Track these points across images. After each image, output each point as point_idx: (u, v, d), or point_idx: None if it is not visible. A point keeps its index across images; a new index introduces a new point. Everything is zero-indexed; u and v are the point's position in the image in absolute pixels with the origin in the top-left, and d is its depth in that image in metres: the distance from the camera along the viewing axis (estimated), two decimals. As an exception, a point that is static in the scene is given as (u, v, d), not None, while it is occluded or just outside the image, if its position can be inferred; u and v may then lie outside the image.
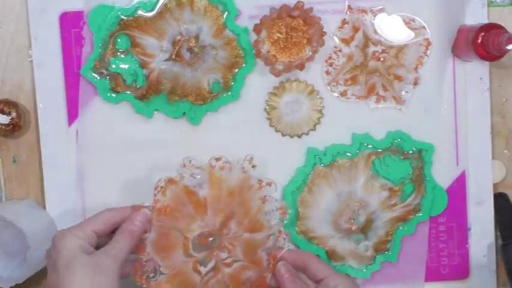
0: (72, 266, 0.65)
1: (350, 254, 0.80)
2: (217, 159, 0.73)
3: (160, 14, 0.78)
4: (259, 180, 0.74)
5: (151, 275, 0.71)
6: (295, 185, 0.79)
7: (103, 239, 0.69)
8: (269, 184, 0.74)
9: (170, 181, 0.72)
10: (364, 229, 0.80)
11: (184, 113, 0.79)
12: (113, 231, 0.70)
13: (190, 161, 0.73)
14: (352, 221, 0.80)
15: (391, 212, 0.80)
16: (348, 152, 0.80)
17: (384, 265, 0.81)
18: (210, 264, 0.73)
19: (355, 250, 0.80)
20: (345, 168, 0.80)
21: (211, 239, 0.73)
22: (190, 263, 0.72)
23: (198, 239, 0.72)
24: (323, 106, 0.80)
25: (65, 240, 0.67)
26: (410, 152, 0.80)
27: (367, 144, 0.80)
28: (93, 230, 0.68)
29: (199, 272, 0.73)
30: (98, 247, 0.68)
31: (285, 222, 0.75)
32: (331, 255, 0.80)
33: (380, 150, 0.80)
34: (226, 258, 0.73)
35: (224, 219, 0.73)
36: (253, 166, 0.74)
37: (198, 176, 0.72)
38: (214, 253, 0.73)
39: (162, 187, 0.72)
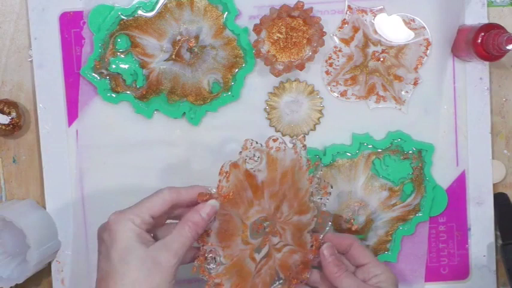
0: (127, 259, 0.60)
1: (350, 254, 0.80)
2: (274, 140, 0.68)
3: (160, 14, 0.78)
4: (308, 159, 0.70)
5: (212, 265, 0.66)
6: None
7: (159, 219, 0.65)
8: (316, 164, 0.70)
9: (234, 165, 0.66)
10: (364, 229, 0.80)
11: (184, 113, 0.79)
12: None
13: (252, 142, 0.67)
14: (352, 221, 0.80)
15: (391, 212, 0.80)
16: (348, 152, 0.80)
17: (384, 265, 0.81)
18: (264, 251, 0.69)
19: (355, 250, 0.80)
20: (345, 168, 0.80)
21: (266, 224, 0.68)
22: (247, 251, 0.68)
23: (254, 225, 0.68)
24: (323, 106, 0.80)
25: (120, 226, 0.62)
26: (410, 152, 0.80)
27: (367, 144, 0.80)
28: (151, 214, 0.63)
29: (254, 260, 0.68)
30: (153, 229, 0.65)
31: (327, 201, 0.72)
32: None
33: (380, 150, 0.80)
34: (277, 243, 0.70)
35: (278, 203, 0.69)
36: (304, 146, 0.70)
37: (258, 158, 0.67)
38: (268, 238, 0.69)
39: (227, 172, 0.65)
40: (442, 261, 0.82)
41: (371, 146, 0.80)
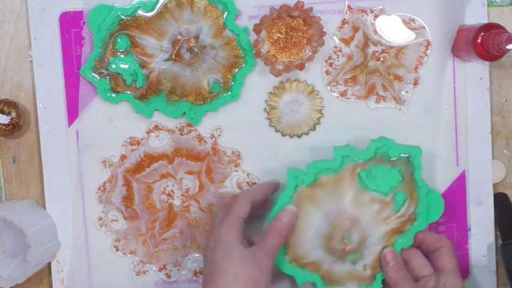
0: (230, 257, 0.68)
1: (348, 277, 0.76)
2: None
3: (160, 14, 0.78)
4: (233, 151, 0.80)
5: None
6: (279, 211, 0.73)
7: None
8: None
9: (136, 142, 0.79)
10: (359, 247, 0.75)
11: (184, 113, 0.79)
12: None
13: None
14: (345, 241, 0.75)
15: (385, 226, 0.75)
16: (331, 167, 0.75)
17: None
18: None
19: (352, 271, 0.75)
20: (329, 185, 0.75)
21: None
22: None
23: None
24: (323, 106, 0.80)
25: (223, 232, 0.69)
26: (397, 158, 0.75)
27: (351, 157, 0.75)
28: (243, 217, 0.71)
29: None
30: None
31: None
32: (328, 281, 0.75)
33: (364, 161, 0.75)
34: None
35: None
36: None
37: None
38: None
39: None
40: (442, 261, 0.82)
41: (356, 158, 0.75)
